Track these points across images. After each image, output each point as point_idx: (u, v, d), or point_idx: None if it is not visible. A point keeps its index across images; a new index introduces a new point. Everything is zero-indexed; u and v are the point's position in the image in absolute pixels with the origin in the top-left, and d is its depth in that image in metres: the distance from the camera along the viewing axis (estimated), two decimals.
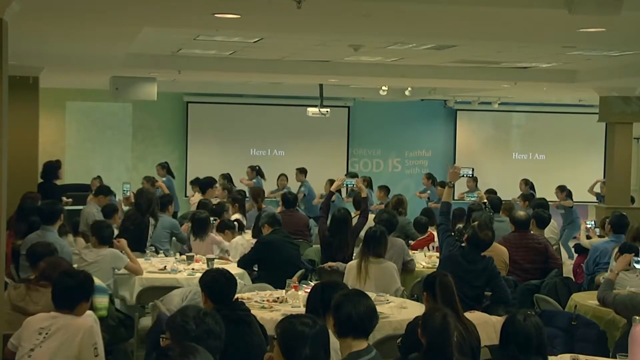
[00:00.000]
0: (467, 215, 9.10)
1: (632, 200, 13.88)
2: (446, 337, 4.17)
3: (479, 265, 6.62)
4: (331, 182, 11.72)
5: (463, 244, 6.83)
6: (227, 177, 13.60)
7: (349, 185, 9.68)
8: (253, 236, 9.19)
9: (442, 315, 4.23)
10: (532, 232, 8.72)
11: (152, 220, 8.90)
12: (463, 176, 7.71)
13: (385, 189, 13.14)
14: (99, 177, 13.48)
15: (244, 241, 8.79)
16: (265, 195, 12.12)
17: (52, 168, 11.45)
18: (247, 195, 11.75)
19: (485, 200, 9.60)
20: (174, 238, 9.67)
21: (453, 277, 5.35)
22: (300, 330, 3.58)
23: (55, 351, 4.47)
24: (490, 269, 6.64)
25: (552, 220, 9.79)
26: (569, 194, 13.71)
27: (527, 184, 14.25)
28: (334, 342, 4.41)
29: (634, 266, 6.58)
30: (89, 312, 5.03)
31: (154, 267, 7.93)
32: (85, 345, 4.50)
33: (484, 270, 6.60)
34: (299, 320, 3.62)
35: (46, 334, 4.52)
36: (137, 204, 8.99)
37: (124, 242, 7.64)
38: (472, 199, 9.45)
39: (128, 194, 10.25)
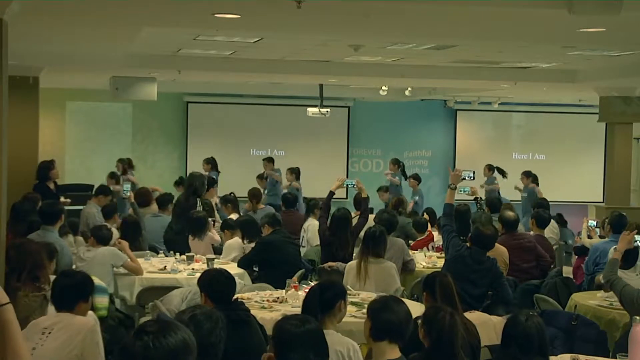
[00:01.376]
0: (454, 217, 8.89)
1: None
2: (453, 336, 4.18)
3: (485, 265, 6.68)
4: None
5: (468, 244, 6.86)
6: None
7: (349, 186, 9.67)
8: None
9: (450, 314, 4.23)
10: (531, 232, 8.74)
11: (198, 202, 9.35)
12: (464, 178, 7.81)
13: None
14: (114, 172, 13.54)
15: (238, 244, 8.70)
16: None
17: (44, 169, 11.36)
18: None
19: (478, 195, 9.57)
20: None
21: (454, 277, 5.36)
22: (286, 329, 3.57)
23: (56, 349, 4.46)
24: (495, 269, 6.74)
25: (552, 220, 9.79)
26: (535, 180, 13.76)
27: (491, 170, 14.43)
28: (345, 342, 4.43)
29: (637, 244, 6.56)
30: (89, 312, 5.02)
31: (154, 267, 7.93)
32: (88, 344, 4.50)
33: (490, 270, 6.66)
34: (288, 322, 3.62)
35: (49, 333, 4.52)
36: (188, 185, 9.52)
37: (125, 243, 7.65)
38: (465, 192, 9.42)
39: (128, 193, 10.24)
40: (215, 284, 4.86)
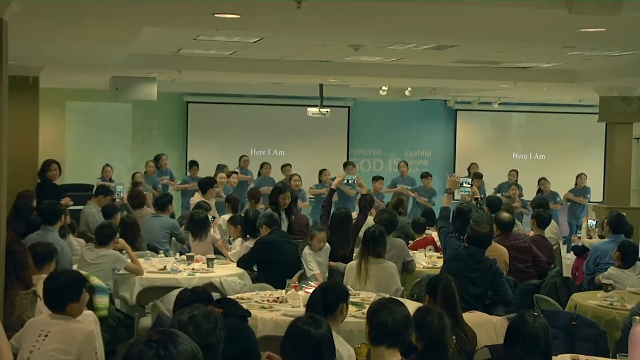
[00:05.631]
0: (455, 217, 8.89)
1: None
2: (444, 337, 4.17)
3: (485, 265, 6.68)
4: None
5: (465, 245, 6.87)
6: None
7: (350, 181, 9.65)
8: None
9: (438, 316, 4.22)
10: (531, 232, 8.73)
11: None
12: (462, 184, 7.98)
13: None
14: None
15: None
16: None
17: (44, 166, 11.27)
18: None
19: (478, 196, 9.57)
20: (173, 238, 9.66)
21: (456, 280, 5.34)
22: (301, 329, 3.58)
23: (53, 353, 4.44)
24: (494, 269, 6.75)
25: (552, 220, 9.79)
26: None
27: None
28: (345, 347, 4.43)
29: None
30: (88, 312, 5.00)
31: (154, 267, 7.93)
32: (85, 349, 4.47)
33: (489, 269, 6.67)
34: (304, 321, 3.65)
35: (45, 335, 4.49)
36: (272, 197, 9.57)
37: (122, 241, 7.65)
38: (465, 193, 9.46)
39: (121, 195, 10.21)
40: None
